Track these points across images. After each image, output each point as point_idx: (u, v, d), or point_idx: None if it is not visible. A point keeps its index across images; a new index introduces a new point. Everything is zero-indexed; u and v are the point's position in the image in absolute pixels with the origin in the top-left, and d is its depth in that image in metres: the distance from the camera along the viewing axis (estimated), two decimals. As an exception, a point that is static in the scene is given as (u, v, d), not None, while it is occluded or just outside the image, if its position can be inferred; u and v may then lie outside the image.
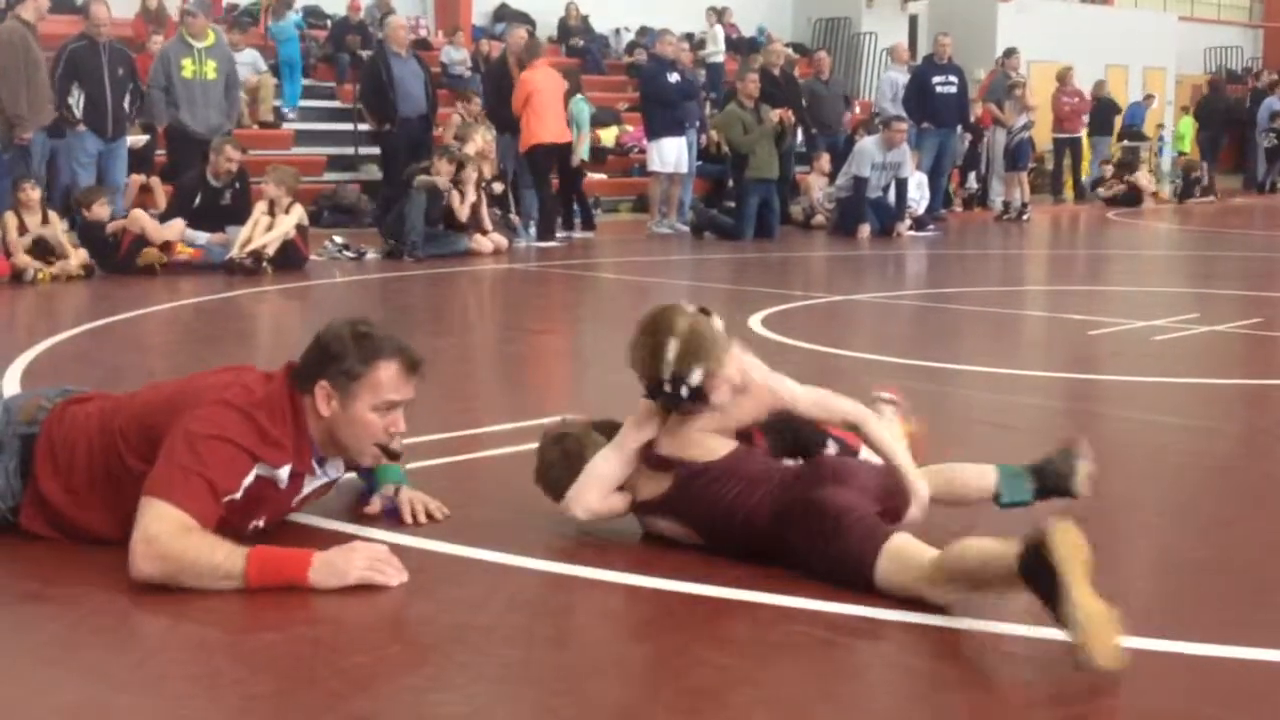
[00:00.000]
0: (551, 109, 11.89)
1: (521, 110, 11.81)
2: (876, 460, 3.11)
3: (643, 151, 13.72)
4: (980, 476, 3.25)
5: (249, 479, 2.93)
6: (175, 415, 2.93)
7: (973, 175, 16.93)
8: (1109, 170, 18.23)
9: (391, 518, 3.28)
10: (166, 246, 9.35)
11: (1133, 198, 17.59)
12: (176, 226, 9.53)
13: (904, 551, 2.71)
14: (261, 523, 3.06)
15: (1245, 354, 6.45)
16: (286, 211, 9.59)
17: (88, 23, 10.07)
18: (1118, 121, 19.81)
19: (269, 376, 3.06)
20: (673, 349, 2.97)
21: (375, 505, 3.32)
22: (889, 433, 3.17)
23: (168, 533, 2.76)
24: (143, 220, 9.34)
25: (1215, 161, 19.35)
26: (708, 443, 3.04)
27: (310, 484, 3.12)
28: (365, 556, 2.84)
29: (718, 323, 3.11)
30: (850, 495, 2.86)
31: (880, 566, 2.71)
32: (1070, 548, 2.40)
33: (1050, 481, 3.22)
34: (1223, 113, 20.00)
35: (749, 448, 3.11)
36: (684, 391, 2.98)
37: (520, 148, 11.93)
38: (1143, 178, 18.21)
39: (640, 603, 2.81)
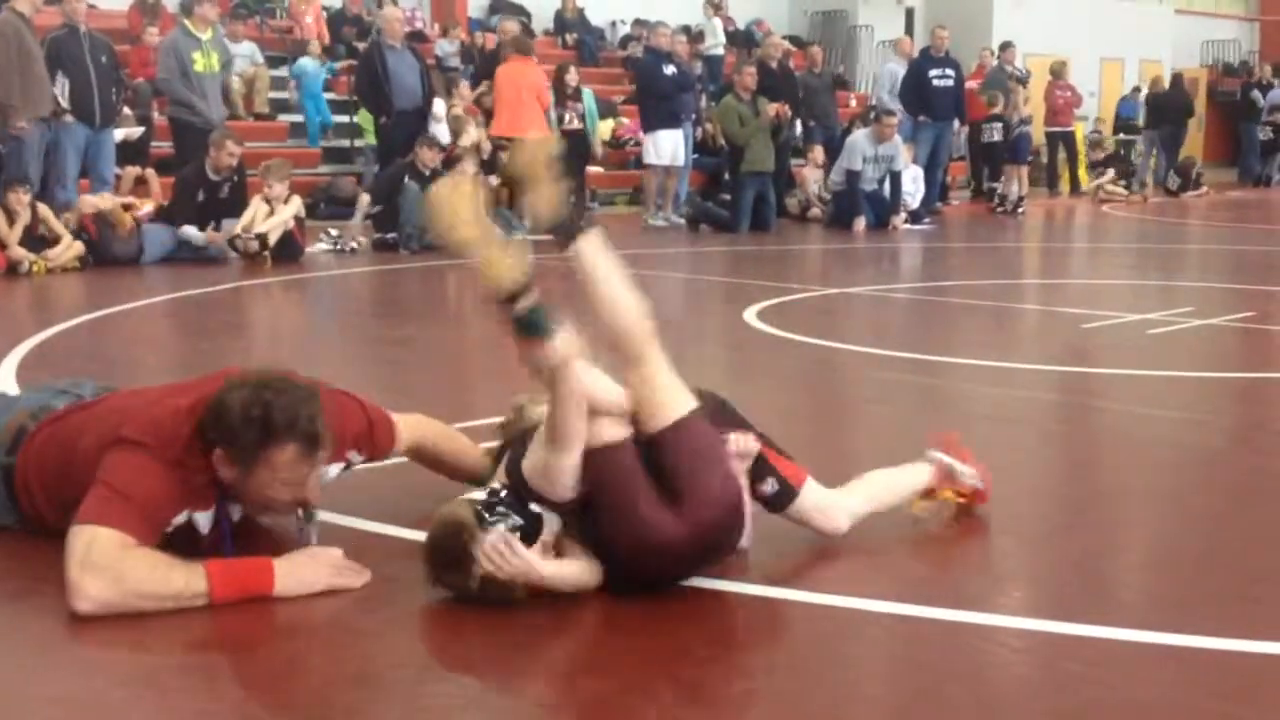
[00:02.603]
0: (512, 103, 11.89)
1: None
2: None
3: (639, 144, 13.72)
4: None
5: (179, 518, 2.82)
6: (97, 441, 2.83)
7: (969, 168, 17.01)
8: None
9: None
10: (127, 208, 9.44)
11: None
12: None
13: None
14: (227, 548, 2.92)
15: (1238, 348, 6.47)
16: (285, 202, 9.63)
17: (65, 6, 10.02)
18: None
19: (191, 414, 2.82)
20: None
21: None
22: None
23: (104, 552, 2.61)
24: (88, 203, 9.34)
25: (1174, 156, 19.29)
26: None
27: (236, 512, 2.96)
28: (328, 564, 2.78)
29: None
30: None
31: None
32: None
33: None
34: (1181, 109, 19.94)
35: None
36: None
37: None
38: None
39: (638, 596, 2.81)
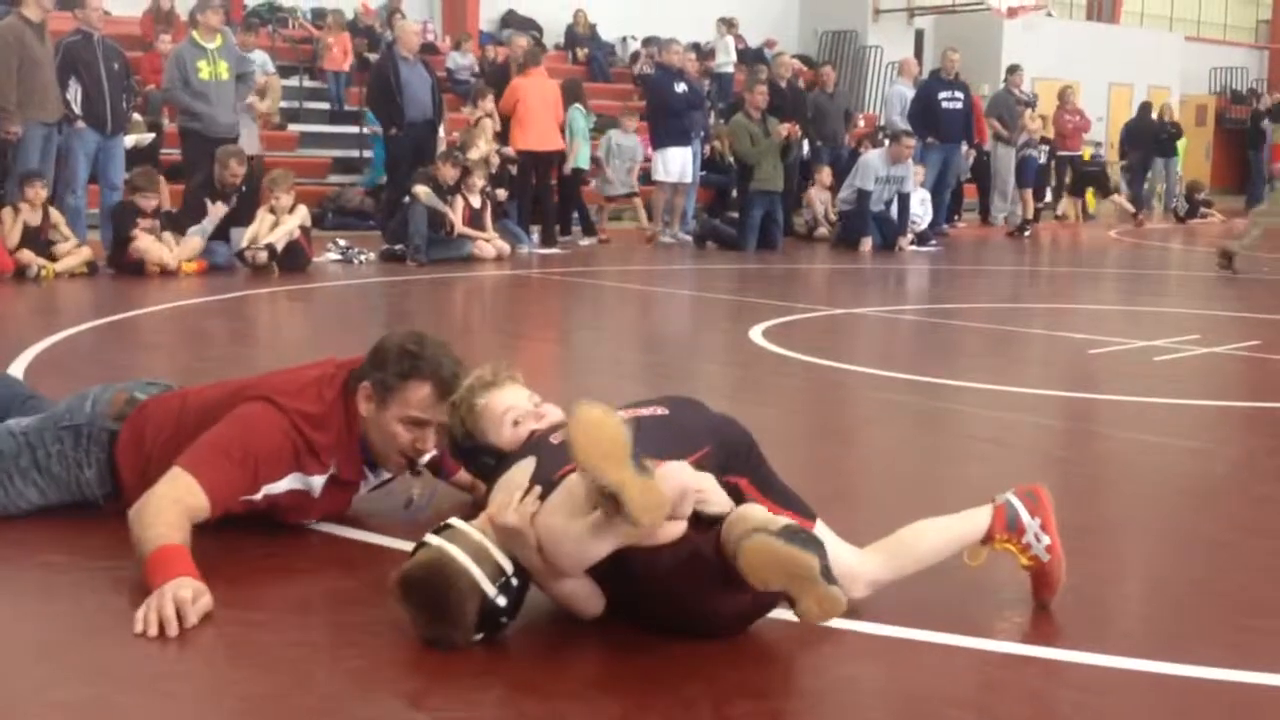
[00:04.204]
0: (537, 117, 11.95)
1: (510, 115, 12.06)
2: None
3: (648, 160, 13.77)
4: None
5: (278, 487, 3.08)
6: (234, 407, 3.11)
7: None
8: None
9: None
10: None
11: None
12: (193, 244, 9.50)
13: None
14: (312, 520, 3.26)
15: (1244, 376, 6.47)
16: (290, 212, 9.66)
17: (80, 13, 10.05)
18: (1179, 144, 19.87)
19: (335, 375, 3.21)
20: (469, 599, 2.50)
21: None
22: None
23: (163, 496, 2.88)
24: (144, 250, 9.18)
25: (1142, 184, 19.35)
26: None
27: (365, 486, 3.30)
28: (166, 600, 2.61)
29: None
30: None
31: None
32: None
33: None
34: (1153, 137, 20.01)
35: None
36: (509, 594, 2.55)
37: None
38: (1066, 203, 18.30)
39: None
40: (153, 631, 2.55)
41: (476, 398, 2.93)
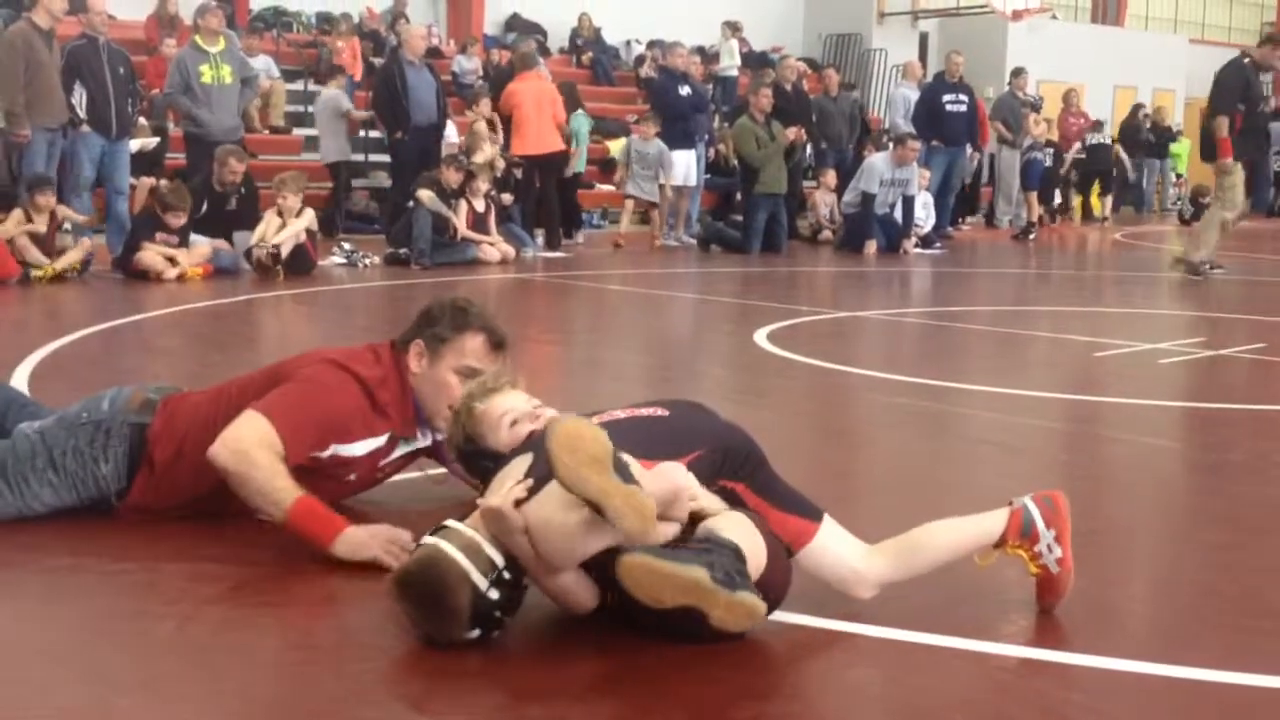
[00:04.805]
0: (532, 121, 11.93)
1: (508, 119, 12.09)
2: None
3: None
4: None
5: (354, 449, 3.23)
6: (292, 374, 3.23)
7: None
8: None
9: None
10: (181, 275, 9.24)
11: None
12: (201, 250, 9.49)
13: None
14: (354, 476, 3.33)
15: (1250, 379, 6.45)
16: (297, 215, 9.67)
17: (85, 17, 10.07)
18: (1180, 146, 19.85)
19: (381, 346, 3.38)
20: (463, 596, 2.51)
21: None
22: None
23: (253, 439, 3.03)
24: (147, 262, 9.12)
25: (1141, 185, 19.41)
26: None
27: (404, 447, 3.39)
28: (385, 539, 2.98)
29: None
30: None
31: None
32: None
33: None
34: (1143, 139, 20.00)
35: None
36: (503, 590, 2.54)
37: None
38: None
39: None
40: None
41: (476, 402, 2.95)
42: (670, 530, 2.47)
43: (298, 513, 2.98)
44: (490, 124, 12.90)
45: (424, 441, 3.45)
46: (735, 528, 2.52)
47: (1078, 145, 18.13)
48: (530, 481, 2.57)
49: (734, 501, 2.68)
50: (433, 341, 3.31)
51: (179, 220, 9.25)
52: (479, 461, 2.94)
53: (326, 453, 3.20)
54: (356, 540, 2.97)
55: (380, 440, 3.30)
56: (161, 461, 3.26)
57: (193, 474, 3.19)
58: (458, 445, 2.99)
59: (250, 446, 3.03)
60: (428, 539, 2.60)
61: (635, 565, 2.29)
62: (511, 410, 2.92)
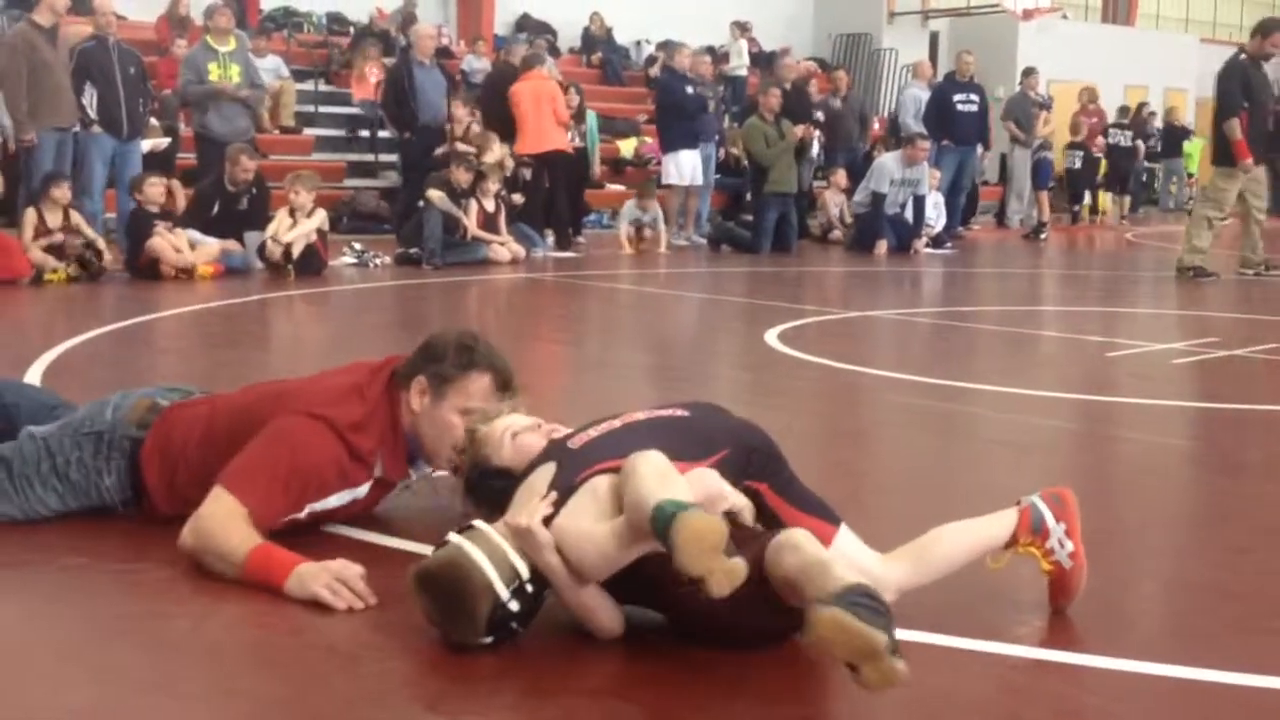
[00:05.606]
0: (531, 120, 11.91)
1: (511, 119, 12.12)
2: None
3: (660, 164, 13.77)
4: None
5: (326, 504, 3.10)
6: (273, 416, 3.08)
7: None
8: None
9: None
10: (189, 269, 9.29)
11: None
12: (210, 250, 9.48)
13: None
14: (338, 517, 3.23)
15: (1263, 379, 6.43)
16: (309, 214, 9.69)
17: (94, 17, 10.07)
18: (1192, 146, 19.80)
19: (374, 377, 3.20)
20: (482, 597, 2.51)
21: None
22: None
23: (214, 515, 2.90)
24: (158, 249, 9.19)
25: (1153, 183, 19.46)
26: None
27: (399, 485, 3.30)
28: (330, 576, 2.78)
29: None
30: None
31: None
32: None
33: None
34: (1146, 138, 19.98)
35: None
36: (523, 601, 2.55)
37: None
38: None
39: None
40: (341, 605, 2.73)
41: (477, 428, 2.96)
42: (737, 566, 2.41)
43: (252, 562, 2.83)
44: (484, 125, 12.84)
45: (423, 472, 3.37)
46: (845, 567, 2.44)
47: (1102, 142, 18.10)
48: (554, 495, 2.56)
49: (758, 503, 2.68)
50: (436, 380, 3.15)
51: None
52: (488, 484, 2.91)
53: (304, 513, 3.08)
54: (305, 576, 2.79)
55: (360, 491, 3.17)
56: (154, 486, 3.22)
57: (184, 504, 3.09)
58: (469, 478, 2.97)
59: (207, 522, 2.91)
60: (453, 537, 2.58)
61: (828, 621, 2.23)
62: (511, 425, 2.93)
